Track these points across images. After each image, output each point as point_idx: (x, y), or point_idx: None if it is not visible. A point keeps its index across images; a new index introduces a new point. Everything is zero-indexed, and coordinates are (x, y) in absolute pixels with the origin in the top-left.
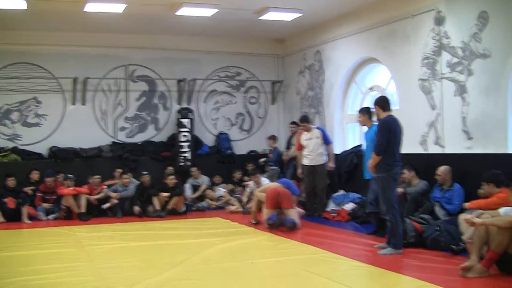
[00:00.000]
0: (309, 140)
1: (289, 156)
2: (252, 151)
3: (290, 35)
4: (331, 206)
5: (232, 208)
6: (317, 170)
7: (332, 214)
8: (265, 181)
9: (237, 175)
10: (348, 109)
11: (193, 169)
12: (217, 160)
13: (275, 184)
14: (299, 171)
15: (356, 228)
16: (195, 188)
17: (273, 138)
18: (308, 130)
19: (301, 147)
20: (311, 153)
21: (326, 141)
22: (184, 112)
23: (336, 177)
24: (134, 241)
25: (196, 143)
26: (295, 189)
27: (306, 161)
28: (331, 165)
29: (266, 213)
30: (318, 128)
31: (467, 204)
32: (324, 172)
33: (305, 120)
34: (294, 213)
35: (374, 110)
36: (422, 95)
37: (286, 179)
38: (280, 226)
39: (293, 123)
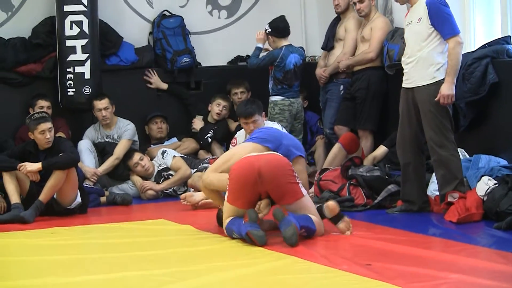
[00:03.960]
0: (408, 26)
1: (330, 70)
2: (240, 58)
3: None
4: (435, 187)
5: (197, 196)
6: (421, 100)
7: (451, 199)
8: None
9: (204, 118)
10: None
11: (99, 102)
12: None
13: (249, 147)
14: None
15: (500, 240)
16: (103, 149)
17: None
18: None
19: None
20: (409, 61)
21: (442, 28)
22: None
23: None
24: None
25: (105, 40)
26: (297, 148)
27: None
28: (446, 91)
29: (227, 212)
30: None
31: None
32: (435, 104)
33: None
34: (307, 207)
35: None
36: None
37: (273, 128)
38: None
39: None
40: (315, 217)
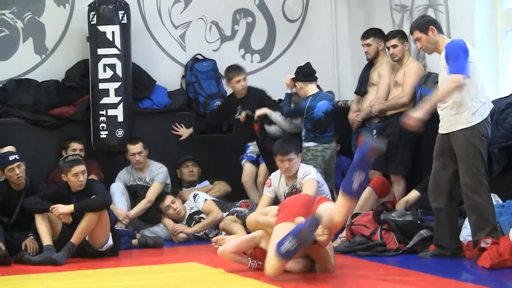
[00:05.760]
0: (440, 73)
1: (363, 115)
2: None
3: None
4: (468, 233)
5: (229, 239)
6: (456, 146)
7: (484, 245)
8: (308, 173)
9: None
10: None
11: (133, 146)
12: (190, 125)
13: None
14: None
15: None
16: (135, 192)
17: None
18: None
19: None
20: (443, 106)
21: (449, 64)
22: (107, 10)
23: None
24: None
25: (138, 83)
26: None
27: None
28: (413, 113)
29: (277, 234)
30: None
31: None
32: (470, 149)
33: (427, 24)
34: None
35: None
36: None
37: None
38: None
39: (369, 34)
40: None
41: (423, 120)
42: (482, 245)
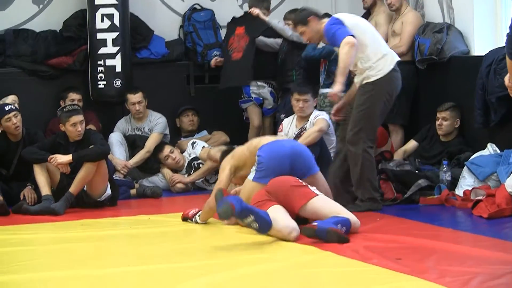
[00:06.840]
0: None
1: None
2: None
3: None
4: (466, 183)
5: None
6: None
7: (478, 197)
8: (321, 114)
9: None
10: None
11: (133, 96)
12: (187, 75)
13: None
14: None
15: None
16: (134, 142)
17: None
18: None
19: None
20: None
21: (335, 44)
22: None
23: (480, 113)
24: None
25: (136, 33)
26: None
27: None
28: (332, 90)
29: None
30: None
31: None
32: (363, 103)
33: None
34: (326, 205)
35: None
36: None
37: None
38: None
39: None
40: (342, 212)
41: (342, 91)
42: (473, 197)
